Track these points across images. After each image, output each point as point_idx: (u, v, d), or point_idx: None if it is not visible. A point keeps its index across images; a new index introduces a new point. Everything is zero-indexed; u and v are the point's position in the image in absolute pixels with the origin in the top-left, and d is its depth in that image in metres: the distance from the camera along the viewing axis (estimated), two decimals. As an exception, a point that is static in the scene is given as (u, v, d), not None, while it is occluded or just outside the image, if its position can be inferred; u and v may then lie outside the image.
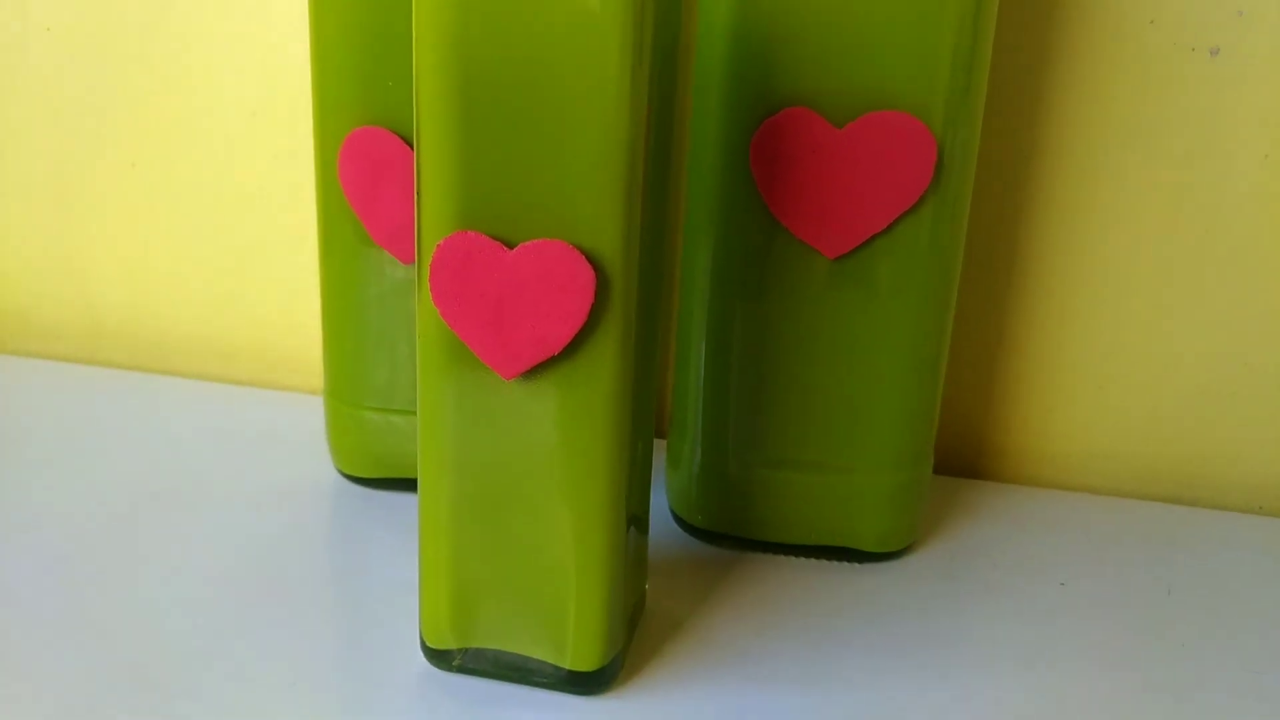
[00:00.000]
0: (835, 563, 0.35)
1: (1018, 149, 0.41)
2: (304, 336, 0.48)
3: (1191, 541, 0.38)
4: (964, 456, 0.44)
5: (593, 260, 0.24)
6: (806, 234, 0.32)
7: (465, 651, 0.29)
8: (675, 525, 0.36)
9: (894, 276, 0.32)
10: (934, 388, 0.34)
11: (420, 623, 0.29)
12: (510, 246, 0.25)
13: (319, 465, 0.40)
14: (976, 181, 0.34)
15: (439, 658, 0.29)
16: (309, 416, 0.43)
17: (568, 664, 0.28)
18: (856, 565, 0.35)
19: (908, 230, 0.32)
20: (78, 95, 0.48)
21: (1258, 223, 0.40)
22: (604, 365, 0.25)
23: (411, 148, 0.33)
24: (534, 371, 0.25)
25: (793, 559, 0.35)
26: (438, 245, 0.25)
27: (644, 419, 0.28)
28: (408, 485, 0.38)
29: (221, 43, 0.46)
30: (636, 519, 0.29)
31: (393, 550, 0.35)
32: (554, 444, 0.26)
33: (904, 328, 0.33)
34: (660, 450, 0.35)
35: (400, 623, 0.31)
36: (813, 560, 0.35)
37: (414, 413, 0.36)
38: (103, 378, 0.48)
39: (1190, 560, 0.36)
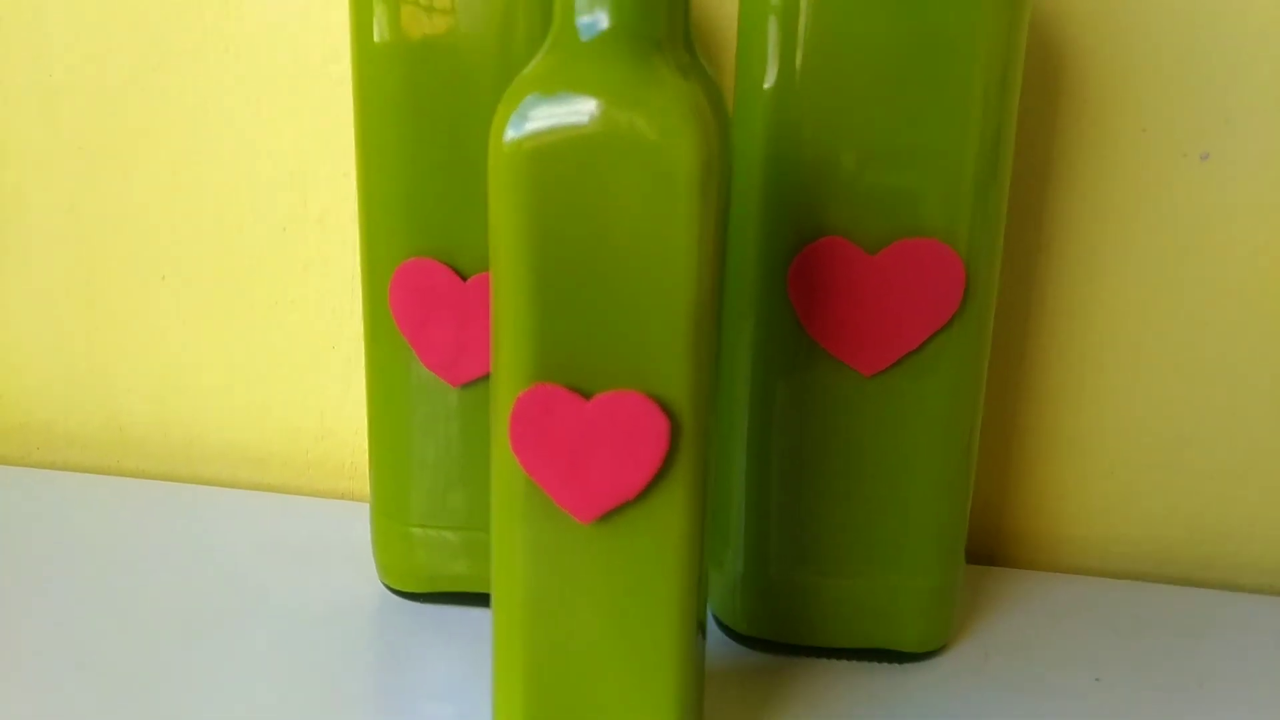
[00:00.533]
0: (878, 664, 0.36)
1: (1025, 247, 0.43)
2: (335, 441, 0.49)
3: (1215, 627, 0.39)
4: (983, 543, 0.45)
5: (666, 409, 0.26)
6: (843, 354, 0.34)
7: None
8: (717, 627, 0.38)
9: (926, 390, 0.34)
10: (965, 492, 0.36)
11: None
12: (587, 397, 0.26)
13: (362, 577, 0.40)
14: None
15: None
16: (347, 525, 0.43)
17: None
18: (899, 666, 0.36)
19: (939, 347, 0.33)
20: (107, 206, 0.49)
21: (1255, 312, 0.42)
22: (677, 507, 0.27)
23: (461, 277, 0.35)
24: (609, 515, 0.27)
25: (836, 662, 0.36)
26: (517, 397, 0.26)
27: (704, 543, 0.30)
28: (457, 599, 0.39)
29: (253, 155, 0.47)
30: (700, 626, 0.31)
31: (447, 668, 0.35)
32: (628, 583, 0.27)
33: (936, 437, 0.35)
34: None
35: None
36: (855, 663, 0.36)
37: (463, 528, 0.38)
38: (132, 489, 0.49)
39: (1217, 646, 0.38)
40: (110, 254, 0.49)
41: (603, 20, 0.25)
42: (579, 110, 0.25)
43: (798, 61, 0.32)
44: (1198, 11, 0.40)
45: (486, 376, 0.35)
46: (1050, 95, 0.41)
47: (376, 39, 0.34)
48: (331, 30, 0.45)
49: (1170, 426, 0.43)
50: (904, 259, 0.33)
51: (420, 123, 0.34)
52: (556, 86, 0.25)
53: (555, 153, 0.25)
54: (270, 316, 0.49)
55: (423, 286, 0.35)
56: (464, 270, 0.35)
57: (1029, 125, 0.41)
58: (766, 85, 0.32)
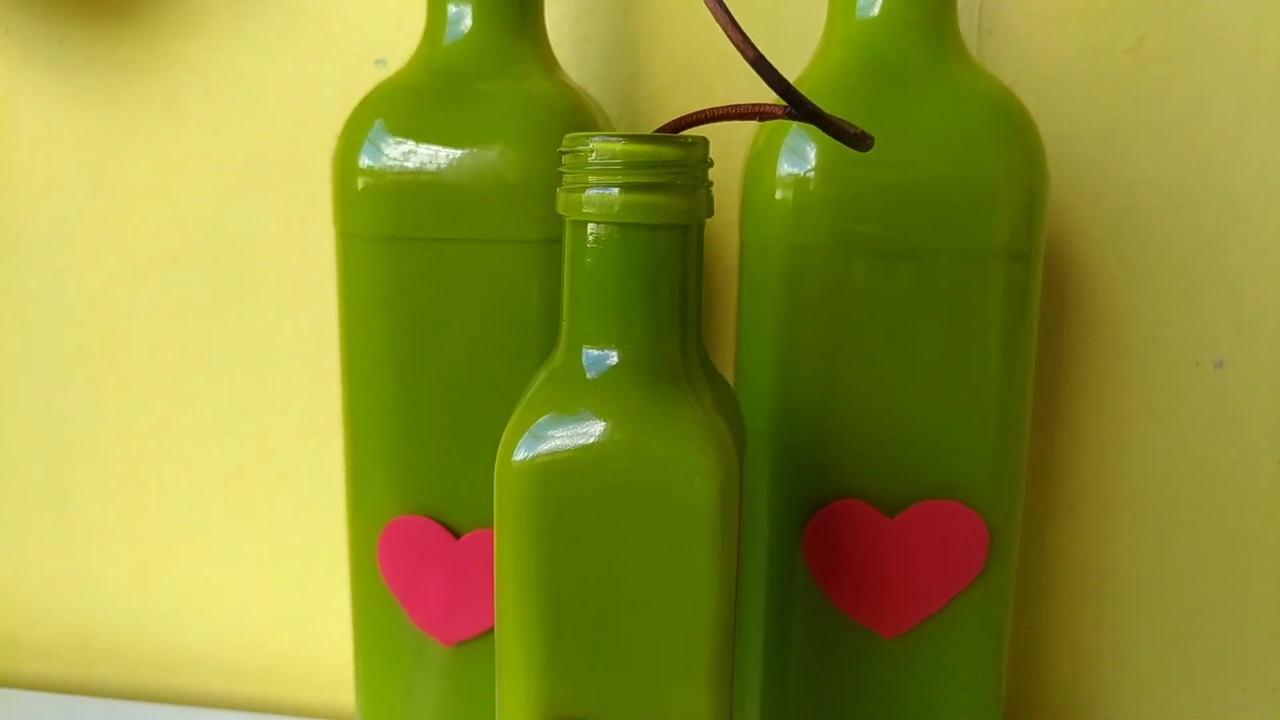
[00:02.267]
0: None
1: (1037, 462, 0.41)
2: (312, 653, 0.47)
3: None
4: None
5: (685, 745, 0.24)
6: (864, 617, 0.32)
7: None
8: None
9: (949, 650, 0.32)
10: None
11: None
12: (600, 734, 0.24)
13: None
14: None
15: None
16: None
17: None
18: None
19: (962, 607, 0.32)
20: (79, 410, 0.47)
21: (1275, 522, 0.41)
22: None
23: (454, 535, 0.33)
24: None
25: None
26: (525, 734, 0.24)
27: None
28: None
29: (231, 362, 0.45)
30: None
31: None
32: None
33: (961, 698, 0.33)
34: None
35: None
36: None
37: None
38: (99, 711, 0.46)
39: None
40: (82, 458, 0.47)
41: (612, 357, 0.23)
42: (593, 433, 0.23)
43: (805, 319, 0.31)
44: (1204, 220, 0.39)
45: (480, 635, 0.33)
46: (1059, 304, 0.40)
47: (363, 287, 0.33)
48: (315, 236, 0.44)
49: (1196, 642, 0.42)
50: (924, 521, 0.31)
51: (410, 377, 0.33)
52: (569, 409, 0.23)
53: (567, 475, 0.23)
54: (248, 524, 0.46)
55: (413, 543, 0.33)
56: (457, 528, 0.33)
57: (1038, 335, 0.40)
58: (773, 343, 0.31)
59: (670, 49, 0.41)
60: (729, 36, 0.21)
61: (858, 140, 0.21)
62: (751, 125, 0.41)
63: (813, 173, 0.30)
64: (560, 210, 0.24)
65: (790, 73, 0.34)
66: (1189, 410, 0.40)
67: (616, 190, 0.23)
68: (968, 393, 0.30)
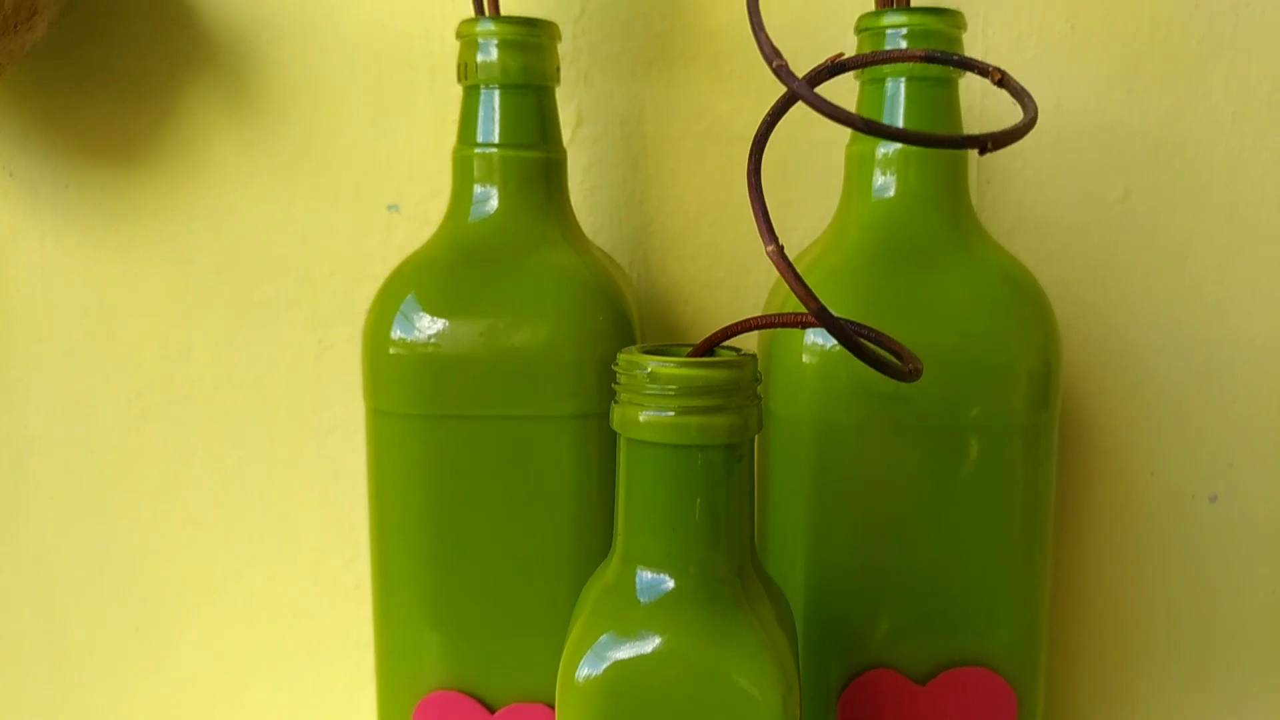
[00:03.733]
0: None
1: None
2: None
3: None
4: None
5: None
6: (896, 783, 0.32)
7: None
8: None
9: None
10: None
11: None
12: None
13: None
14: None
15: None
16: None
17: None
18: None
19: (991, 769, 0.32)
20: (78, 557, 0.46)
21: (1274, 650, 0.42)
22: None
23: (489, 710, 0.33)
24: None
25: None
26: None
27: None
28: None
29: (239, 511, 0.45)
30: None
31: None
32: None
33: None
34: None
35: None
36: None
37: None
38: None
39: None
40: (81, 610, 0.47)
41: (669, 582, 0.24)
42: (655, 654, 0.24)
43: (835, 494, 0.31)
44: (1195, 359, 0.41)
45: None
46: (1060, 442, 0.42)
47: (395, 463, 0.33)
48: (325, 380, 0.44)
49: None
50: (954, 688, 0.32)
51: (443, 552, 0.33)
52: (629, 629, 0.24)
53: (629, 695, 0.24)
54: (258, 675, 0.46)
55: None
56: (492, 702, 0.33)
57: (1041, 474, 0.42)
58: (805, 519, 0.32)
59: (680, 199, 0.42)
60: (786, 281, 0.22)
61: (906, 375, 0.22)
62: (763, 270, 0.42)
63: (839, 346, 0.31)
64: (615, 427, 0.25)
65: (804, 251, 0.35)
66: (1187, 543, 0.42)
67: (672, 413, 0.24)
68: (992, 561, 0.32)
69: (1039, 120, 0.38)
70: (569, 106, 0.41)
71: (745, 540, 0.25)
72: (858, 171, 0.33)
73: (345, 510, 0.45)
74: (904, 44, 0.32)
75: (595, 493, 0.33)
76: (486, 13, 0.35)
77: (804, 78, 0.22)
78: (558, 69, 0.35)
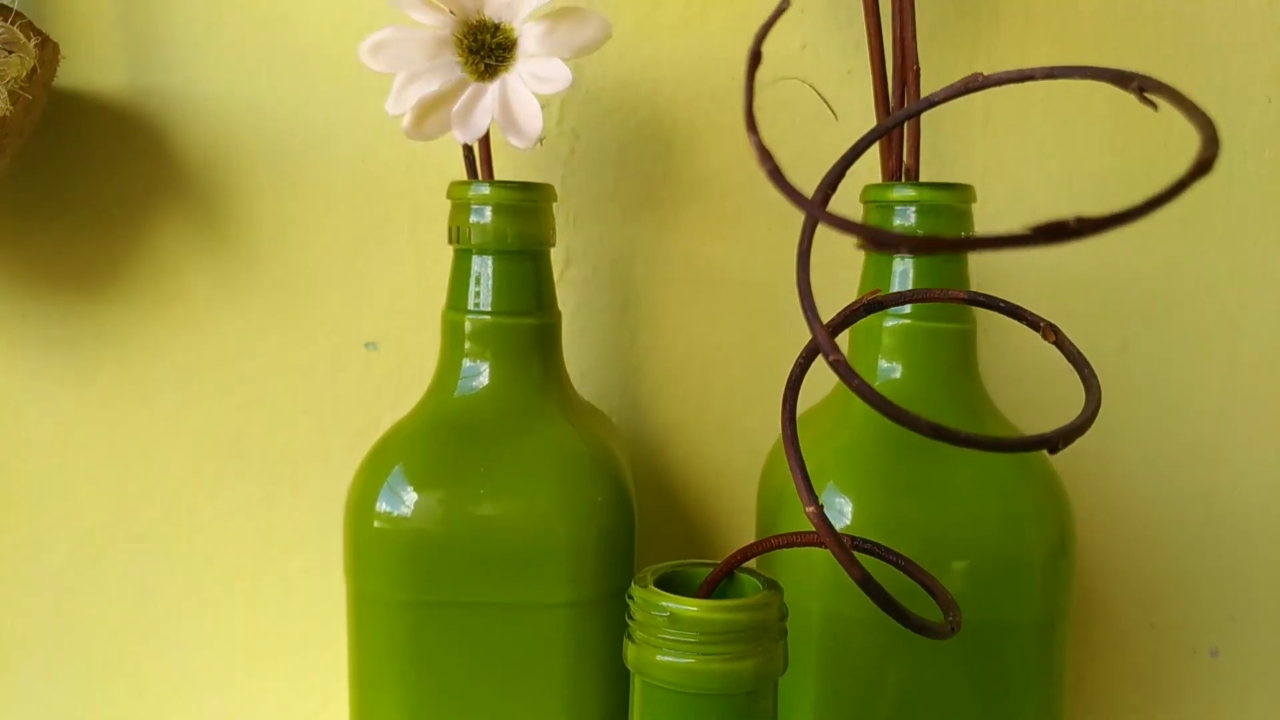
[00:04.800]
0: None
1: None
2: None
3: None
4: None
5: None
6: None
7: None
8: None
9: None
10: None
11: None
12: None
13: None
14: None
15: None
16: None
17: None
18: None
19: None
20: (27, 707, 0.43)
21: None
22: None
23: None
24: None
25: None
26: None
27: None
28: None
29: (198, 658, 0.43)
30: None
31: None
32: None
33: None
34: None
35: None
36: None
37: None
38: None
39: None
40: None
41: None
42: None
43: (844, 685, 0.30)
44: (1193, 511, 0.40)
45: None
46: (1058, 595, 0.41)
47: (378, 649, 0.31)
48: (296, 523, 0.42)
49: None
50: None
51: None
52: None
53: None
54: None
55: None
56: None
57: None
58: (808, 710, 0.30)
59: (670, 342, 0.41)
60: (830, 548, 0.21)
61: (946, 633, 0.21)
62: (755, 416, 0.41)
63: (850, 521, 0.30)
64: (629, 665, 0.23)
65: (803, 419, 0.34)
66: (1188, 697, 0.41)
67: (693, 659, 0.22)
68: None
69: (1037, 268, 0.37)
70: (557, 247, 0.40)
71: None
72: (864, 345, 0.32)
73: (315, 659, 0.43)
74: (913, 219, 0.31)
75: (591, 687, 0.31)
76: (480, 175, 0.34)
77: (834, 319, 0.21)
78: (553, 230, 0.34)
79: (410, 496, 0.31)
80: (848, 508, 0.30)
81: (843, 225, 0.14)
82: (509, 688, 0.31)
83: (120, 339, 0.42)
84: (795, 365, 0.22)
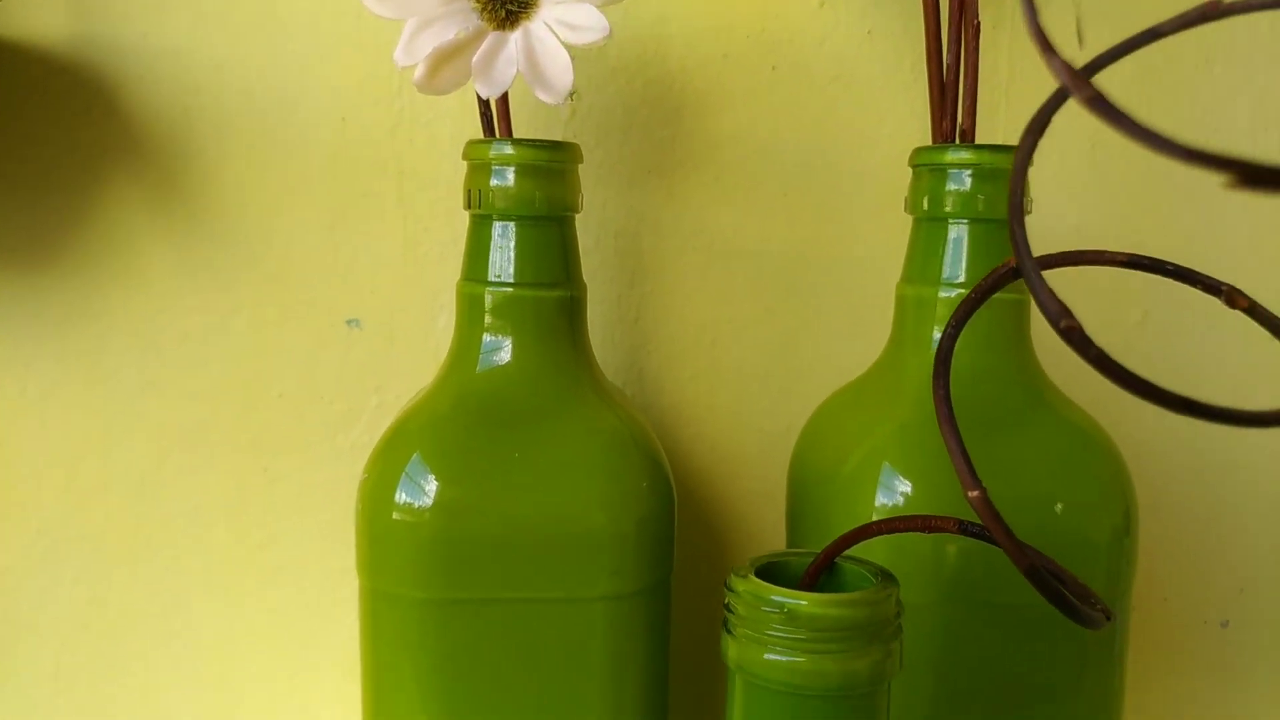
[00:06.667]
0: None
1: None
2: None
3: None
4: None
5: None
6: None
7: None
8: None
9: None
10: None
11: None
12: None
13: None
14: None
15: None
16: None
17: None
18: None
19: None
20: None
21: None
22: None
23: None
24: None
25: None
26: None
27: None
28: None
29: (162, 659, 0.39)
30: None
31: None
32: None
33: None
34: None
35: None
36: None
37: None
38: None
39: None
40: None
41: None
42: None
43: (912, 671, 0.28)
44: (1209, 485, 0.40)
45: None
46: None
47: (398, 649, 0.29)
48: (271, 516, 0.39)
49: None
50: None
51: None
52: None
53: None
54: None
55: None
56: None
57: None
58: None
59: (680, 318, 0.39)
60: (995, 535, 0.19)
61: (1098, 622, 0.19)
62: (770, 397, 0.39)
63: (904, 505, 0.28)
64: (729, 663, 0.21)
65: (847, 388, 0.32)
66: (1200, 667, 0.41)
67: (804, 657, 0.20)
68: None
69: (1059, 242, 0.36)
70: (561, 217, 0.37)
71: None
72: (915, 318, 0.31)
73: (295, 667, 0.39)
74: (969, 183, 0.29)
75: (630, 682, 0.29)
76: (497, 131, 0.31)
77: (983, 284, 0.19)
78: (580, 195, 0.31)
79: (433, 486, 0.28)
80: (907, 489, 0.28)
81: (1210, 161, 0.12)
82: (543, 688, 0.28)
83: (67, 316, 0.38)
84: (944, 336, 0.20)
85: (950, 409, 0.19)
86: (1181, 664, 0.41)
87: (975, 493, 0.18)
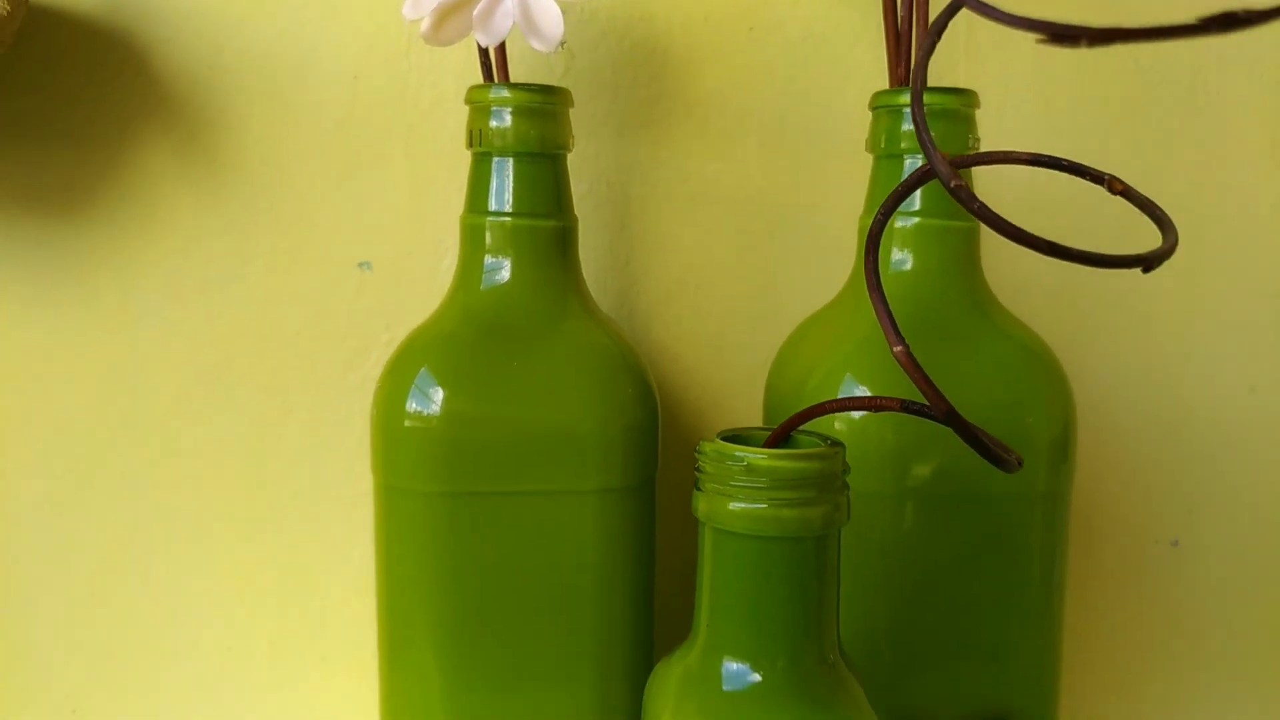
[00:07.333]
0: None
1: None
2: None
3: None
4: None
5: None
6: None
7: None
8: None
9: None
10: None
11: None
12: None
13: None
14: None
15: None
16: None
17: None
18: None
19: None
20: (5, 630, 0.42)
21: (1241, 683, 0.44)
22: None
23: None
24: None
25: None
26: None
27: None
28: None
29: (193, 590, 0.42)
30: None
31: None
32: None
33: None
34: None
35: None
36: None
37: None
38: None
39: None
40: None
41: (754, 675, 0.24)
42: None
43: (866, 563, 0.32)
44: (1160, 414, 0.43)
45: None
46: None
47: (409, 541, 0.32)
48: (287, 449, 0.42)
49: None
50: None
51: (460, 633, 0.32)
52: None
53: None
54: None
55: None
56: (521, 794, 0.32)
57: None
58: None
59: (666, 261, 0.42)
60: (915, 383, 0.22)
61: (1014, 466, 0.23)
62: (748, 331, 0.42)
63: (866, 416, 0.31)
64: (699, 516, 0.24)
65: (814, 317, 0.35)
66: (1151, 585, 0.44)
67: (764, 505, 0.23)
68: (1014, 626, 0.32)
69: (1020, 185, 0.39)
70: (555, 166, 0.40)
71: (834, 631, 0.25)
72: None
73: (312, 585, 0.42)
74: (921, 120, 0.32)
75: (620, 570, 0.32)
76: (496, 78, 0.34)
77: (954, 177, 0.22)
78: (571, 135, 0.34)
79: (440, 394, 0.31)
80: (866, 394, 0.32)
81: (1021, 22, 0.15)
82: (540, 573, 0.32)
83: (99, 264, 0.41)
84: (874, 221, 0.23)
85: (878, 279, 0.23)
86: (1133, 582, 0.44)
87: (899, 348, 0.21)
